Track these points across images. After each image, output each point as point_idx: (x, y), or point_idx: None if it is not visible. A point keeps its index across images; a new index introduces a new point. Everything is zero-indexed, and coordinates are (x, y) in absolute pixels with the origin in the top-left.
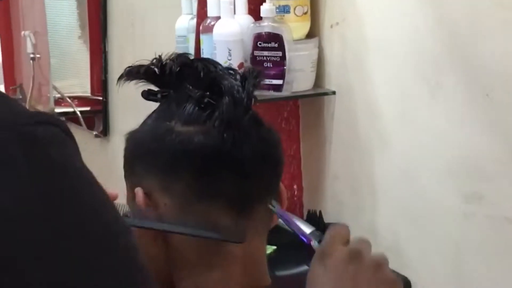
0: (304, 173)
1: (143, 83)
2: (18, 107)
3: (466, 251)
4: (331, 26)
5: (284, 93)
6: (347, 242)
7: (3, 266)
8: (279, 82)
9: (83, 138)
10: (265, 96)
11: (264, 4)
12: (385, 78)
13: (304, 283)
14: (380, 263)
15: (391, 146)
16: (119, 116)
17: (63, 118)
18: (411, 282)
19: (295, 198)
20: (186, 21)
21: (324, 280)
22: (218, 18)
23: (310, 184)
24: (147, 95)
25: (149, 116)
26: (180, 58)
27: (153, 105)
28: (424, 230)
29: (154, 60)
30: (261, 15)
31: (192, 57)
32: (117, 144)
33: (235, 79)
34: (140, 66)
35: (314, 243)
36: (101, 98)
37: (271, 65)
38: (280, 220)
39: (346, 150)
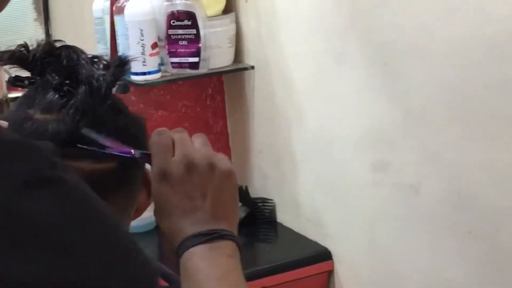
0: (232, 148)
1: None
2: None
3: (377, 219)
4: (246, 1)
5: (201, 70)
6: (173, 147)
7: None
8: (195, 59)
9: None
10: (183, 74)
11: None
12: (297, 51)
13: None
14: (212, 162)
15: (306, 118)
16: None
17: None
18: (331, 253)
19: None
20: (101, 2)
21: (174, 198)
22: None
23: (238, 159)
24: (14, 81)
25: (15, 103)
26: (44, 46)
27: None
28: (340, 201)
29: (22, 47)
30: None
31: (59, 44)
32: None
33: (98, 68)
34: (6, 51)
35: (136, 154)
36: None
37: (186, 43)
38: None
39: (268, 124)
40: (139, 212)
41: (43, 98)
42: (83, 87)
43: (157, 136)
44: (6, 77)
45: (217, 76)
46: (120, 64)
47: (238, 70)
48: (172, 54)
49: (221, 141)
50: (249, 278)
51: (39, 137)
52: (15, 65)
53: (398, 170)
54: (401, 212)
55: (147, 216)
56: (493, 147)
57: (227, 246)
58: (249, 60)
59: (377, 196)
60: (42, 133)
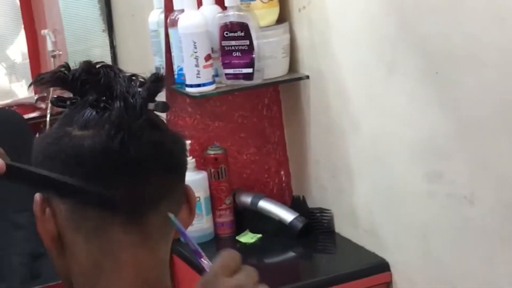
0: (290, 158)
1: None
2: None
3: (432, 230)
4: (299, 10)
5: (256, 81)
6: (234, 272)
7: None
8: (249, 70)
9: None
10: (238, 85)
11: None
12: (349, 60)
13: (290, 269)
14: None
15: (361, 128)
16: None
17: None
18: (390, 264)
19: (284, 184)
20: (157, 15)
21: None
22: (183, 11)
23: (296, 170)
24: (56, 102)
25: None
26: (83, 65)
27: None
28: (395, 211)
29: (62, 68)
30: (226, 4)
31: (99, 64)
32: None
33: (134, 86)
34: (47, 73)
35: (205, 262)
36: None
37: (239, 54)
38: (262, 208)
39: (324, 133)
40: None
41: (81, 115)
42: (118, 102)
43: (226, 253)
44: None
45: (273, 86)
46: (155, 80)
47: (293, 80)
48: (226, 65)
49: (278, 151)
50: None
51: (75, 152)
52: (56, 86)
53: (451, 181)
54: (455, 223)
55: (206, 226)
56: None
57: None
58: (304, 70)
59: (432, 206)
60: (77, 149)
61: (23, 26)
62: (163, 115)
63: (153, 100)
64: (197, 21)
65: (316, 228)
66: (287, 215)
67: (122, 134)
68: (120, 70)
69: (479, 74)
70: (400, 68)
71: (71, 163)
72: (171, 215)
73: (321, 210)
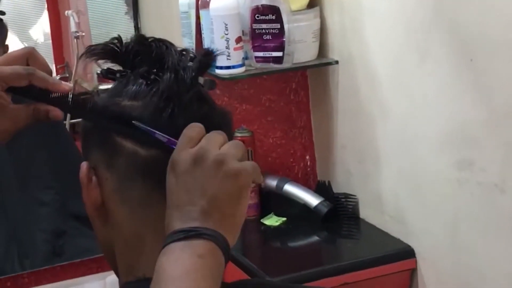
0: (315, 143)
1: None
2: None
3: (460, 218)
4: None
5: (285, 64)
6: (198, 141)
7: None
8: (279, 54)
9: None
10: (267, 68)
11: None
12: (381, 46)
13: (314, 253)
14: (222, 159)
15: (390, 114)
16: None
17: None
18: (415, 251)
19: (309, 169)
20: None
21: (176, 189)
22: None
23: (321, 155)
24: (106, 73)
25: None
26: (136, 38)
27: None
28: (423, 198)
29: (115, 40)
30: None
31: (151, 38)
32: None
33: (185, 59)
34: (99, 45)
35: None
36: None
37: (270, 38)
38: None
39: (351, 119)
40: None
41: (131, 86)
42: (169, 74)
43: (187, 129)
44: (97, 69)
45: (301, 70)
46: (206, 55)
47: (322, 65)
48: (256, 48)
49: (304, 136)
50: (331, 273)
51: (124, 121)
52: (107, 59)
53: (482, 169)
54: (485, 212)
55: None
56: None
57: (202, 246)
58: (333, 55)
59: (461, 194)
60: (128, 115)
61: (46, 6)
62: None
63: (203, 75)
64: (229, 3)
65: (341, 213)
66: (312, 200)
67: (171, 106)
68: (172, 44)
69: None
70: (433, 55)
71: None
72: (136, 122)
73: (346, 196)
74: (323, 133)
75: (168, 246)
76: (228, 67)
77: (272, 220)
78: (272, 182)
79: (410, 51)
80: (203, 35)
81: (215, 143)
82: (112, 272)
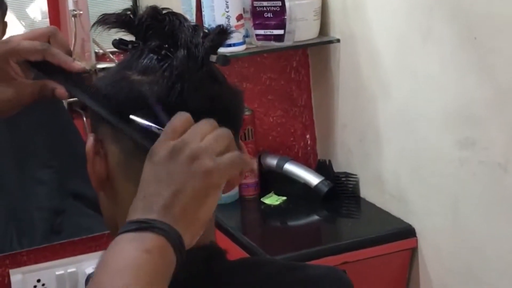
0: (316, 122)
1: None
2: None
3: (462, 197)
4: None
5: (286, 43)
6: (182, 132)
7: None
8: (280, 32)
9: None
10: (268, 46)
11: None
12: (383, 25)
13: (314, 232)
14: (197, 154)
15: (391, 93)
16: None
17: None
18: (415, 230)
19: (309, 148)
20: None
21: (148, 179)
22: None
23: (322, 134)
24: (118, 44)
25: (116, 65)
26: (149, 10)
27: None
28: (424, 177)
29: (128, 11)
30: None
31: (165, 11)
32: None
33: (198, 36)
34: (112, 14)
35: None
36: None
37: (271, 15)
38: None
39: (352, 98)
40: (230, 187)
41: (141, 60)
42: (181, 51)
43: (173, 118)
44: (96, 48)
45: (302, 49)
46: (220, 32)
47: (323, 43)
48: (257, 26)
49: (305, 114)
50: (331, 252)
51: (132, 96)
52: (120, 28)
53: (485, 148)
54: (487, 191)
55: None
56: None
57: (151, 241)
58: (334, 33)
59: (463, 173)
60: (135, 93)
61: None
62: None
63: (215, 53)
64: None
65: (341, 192)
66: (312, 179)
67: (181, 84)
68: (185, 19)
69: None
70: (436, 34)
71: (127, 106)
72: (133, 116)
73: (347, 175)
74: (324, 112)
75: (119, 236)
76: (228, 45)
77: (272, 199)
78: (272, 161)
79: (413, 29)
80: (203, 13)
81: (197, 135)
82: None
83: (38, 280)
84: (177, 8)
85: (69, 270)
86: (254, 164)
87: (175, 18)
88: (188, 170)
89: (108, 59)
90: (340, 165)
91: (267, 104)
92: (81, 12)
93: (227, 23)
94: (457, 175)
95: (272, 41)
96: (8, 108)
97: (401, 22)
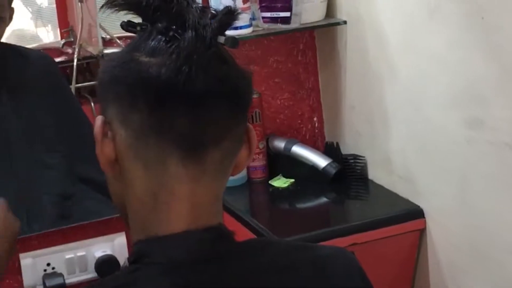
0: (323, 104)
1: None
2: None
3: (471, 177)
4: None
5: (293, 25)
6: None
7: None
8: (287, 14)
9: None
10: (275, 29)
11: None
12: (389, 5)
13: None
14: None
15: (398, 74)
16: None
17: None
18: (424, 211)
19: (316, 131)
20: None
21: None
22: None
23: (329, 116)
24: (126, 26)
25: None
26: None
27: None
28: (431, 158)
29: None
30: None
31: None
32: None
33: (206, 17)
34: None
35: None
36: None
37: None
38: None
39: (360, 79)
40: (238, 169)
41: (149, 42)
42: (189, 32)
43: None
44: (103, 33)
45: (309, 31)
46: (227, 13)
47: (330, 25)
48: (263, 8)
49: (312, 97)
50: (340, 234)
51: (140, 78)
52: (128, 10)
53: (492, 127)
54: (495, 170)
55: None
56: None
57: None
58: (341, 15)
59: (470, 153)
60: (143, 75)
61: None
62: None
63: (224, 34)
64: None
65: (349, 174)
66: (320, 161)
67: (189, 65)
68: (193, 1)
69: None
70: (443, 13)
71: (136, 88)
72: None
73: (355, 157)
74: (331, 94)
75: None
76: (235, 28)
77: (280, 182)
78: (280, 144)
79: (419, 9)
80: None
81: None
82: (120, 234)
83: (48, 264)
84: None
85: (78, 254)
86: None
87: (183, 1)
88: None
89: (115, 44)
90: (348, 147)
91: (274, 87)
92: None
93: (233, 5)
94: (465, 155)
95: (278, 24)
96: None
97: (407, 1)
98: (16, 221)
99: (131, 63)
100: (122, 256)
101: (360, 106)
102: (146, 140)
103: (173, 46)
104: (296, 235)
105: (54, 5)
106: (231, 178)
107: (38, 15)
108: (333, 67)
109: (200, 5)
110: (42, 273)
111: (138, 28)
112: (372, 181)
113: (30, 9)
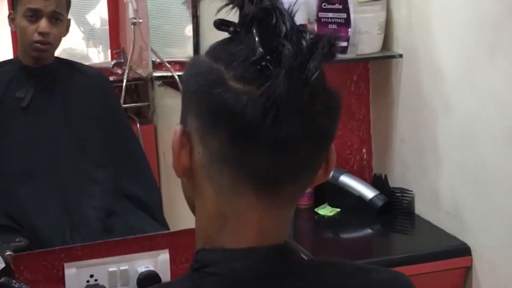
0: (373, 136)
1: None
2: None
3: None
4: None
5: (349, 55)
6: None
7: None
8: (344, 44)
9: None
10: None
11: None
12: (448, 41)
13: (366, 245)
14: None
15: (453, 110)
16: None
17: (160, 82)
18: (471, 248)
19: (364, 162)
20: None
21: None
22: None
23: (378, 148)
24: (219, 25)
25: (221, 41)
26: (265, 5)
27: None
28: (484, 196)
29: None
30: None
31: (280, 5)
32: None
33: (302, 47)
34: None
35: None
36: None
37: (335, 27)
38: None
39: (412, 113)
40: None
41: (238, 61)
42: (282, 71)
43: None
44: (153, 56)
45: (364, 62)
46: (330, 44)
47: (386, 58)
48: None
49: (362, 128)
50: (382, 266)
51: (227, 108)
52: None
53: None
54: None
55: None
56: None
57: None
58: (397, 48)
59: None
60: (230, 106)
61: None
62: None
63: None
64: None
65: (396, 207)
66: (368, 192)
67: (276, 109)
68: (293, 21)
69: None
70: (504, 50)
71: (218, 117)
72: None
73: (402, 190)
74: (382, 126)
75: None
76: None
77: (326, 210)
78: None
79: (479, 45)
80: None
81: None
82: (164, 251)
83: (91, 275)
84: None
85: (121, 268)
86: None
87: (283, 17)
88: None
89: (164, 68)
90: (396, 180)
91: None
92: (140, 21)
93: None
94: None
95: None
96: None
97: (466, 37)
98: None
99: (218, 87)
100: (164, 273)
101: (410, 139)
102: (221, 166)
103: (264, 85)
104: None
105: (107, 27)
106: None
107: (90, 35)
108: (386, 99)
109: (301, 28)
110: (85, 283)
111: (231, 28)
112: (418, 216)
113: (82, 29)
